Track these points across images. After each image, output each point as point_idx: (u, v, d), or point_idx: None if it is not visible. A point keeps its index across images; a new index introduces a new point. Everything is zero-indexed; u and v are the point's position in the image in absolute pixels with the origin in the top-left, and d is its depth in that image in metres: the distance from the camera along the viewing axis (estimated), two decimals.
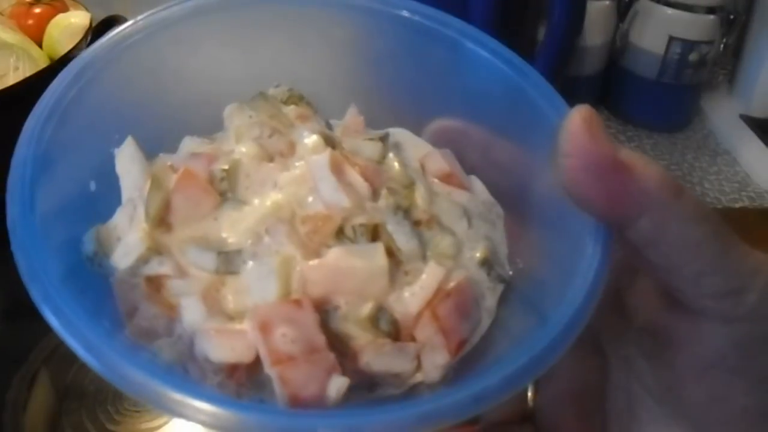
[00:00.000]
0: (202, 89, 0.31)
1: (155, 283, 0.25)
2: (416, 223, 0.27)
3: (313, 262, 0.25)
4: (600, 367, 0.28)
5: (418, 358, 0.26)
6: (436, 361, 0.25)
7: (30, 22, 0.77)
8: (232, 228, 0.26)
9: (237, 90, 0.31)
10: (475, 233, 0.29)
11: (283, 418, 0.20)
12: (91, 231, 0.26)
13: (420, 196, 0.28)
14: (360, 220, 0.26)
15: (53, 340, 0.53)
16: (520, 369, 0.21)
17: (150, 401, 0.19)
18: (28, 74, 0.68)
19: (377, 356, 0.24)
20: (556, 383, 0.28)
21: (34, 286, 0.21)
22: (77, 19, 0.75)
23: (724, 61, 1.00)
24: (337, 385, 0.22)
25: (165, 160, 0.28)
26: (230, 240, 0.26)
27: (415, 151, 0.31)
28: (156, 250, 0.25)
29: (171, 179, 0.27)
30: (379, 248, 0.25)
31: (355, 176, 0.27)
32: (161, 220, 0.26)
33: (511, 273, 0.29)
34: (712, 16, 0.85)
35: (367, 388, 0.25)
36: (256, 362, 0.23)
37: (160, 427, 0.50)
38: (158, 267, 0.25)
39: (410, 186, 0.29)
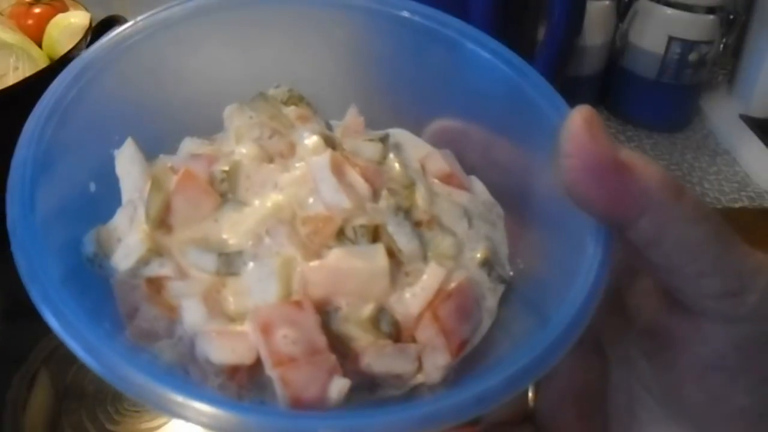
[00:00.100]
0: (202, 90, 0.31)
1: (156, 284, 0.25)
2: (417, 224, 0.27)
3: (314, 264, 0.25)
4: (600, 368, 0.28)
5: (419, 359, 0.25)
6: (437, 362, 0.25)
7: (30, 22, 0.77)
8: (233, 229, 0.26)
9: (237, 91, 0.31)
10: (476, 234, 0.29)
11: (284, 419, 0.20)
12: (91, 232, 0.26)
13: (420, 197, 0.28)
14: (361, 221, 0.26)
15: (53, 340, 0.53)
16: (522, 370, 0.21)
17: (151, 403, 0.19)
18: (27, 74, 0.68)
19: (378, 357, 0.24)
20: (557, 384, 0.28)
21: (34, 287, 0.21)
22: (77, 19, 0.75)
23: (724, 61, 1.00)
24: (339, 386, 0.22)
25: (165, 161, 0.28)
26: (231, 241, 0.26)
27: (416, 151, 0.31)
28: (156, 251, 0.25)
29: (171, 180, 0.26)
30: (379, 249, 0.25)
31: (355, 177, 0.27)
32: (162, 222, 0.26)
33: (511, 273, 0.29)
34: (711, 16, 0.85)
35: (368, 389, 0.25)
36: (257, 364, 0.23)
37: (159, 427, 0.50)
38: (159, 268, 0.25)
39: (411, 187, 0.29)
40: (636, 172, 0.22)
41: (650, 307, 0.25)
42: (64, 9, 0.78)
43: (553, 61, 0.71)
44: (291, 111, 0.30)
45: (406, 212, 0.27)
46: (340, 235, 0.26)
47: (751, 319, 0.23)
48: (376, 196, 0.27)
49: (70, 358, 0.20)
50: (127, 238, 0.26)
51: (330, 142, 0.28)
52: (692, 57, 0.86)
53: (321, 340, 0.23)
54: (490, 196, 0.31)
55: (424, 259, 0.27)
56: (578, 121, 0.22)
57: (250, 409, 0.21)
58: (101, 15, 0.77)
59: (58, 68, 0.26)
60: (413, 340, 0.26)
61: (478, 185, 0.31)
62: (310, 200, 0.27)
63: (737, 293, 0.22)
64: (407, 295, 0.26)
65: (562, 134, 0.22)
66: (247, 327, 0.24)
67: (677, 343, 0.24)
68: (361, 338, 0.25)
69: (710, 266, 0.22)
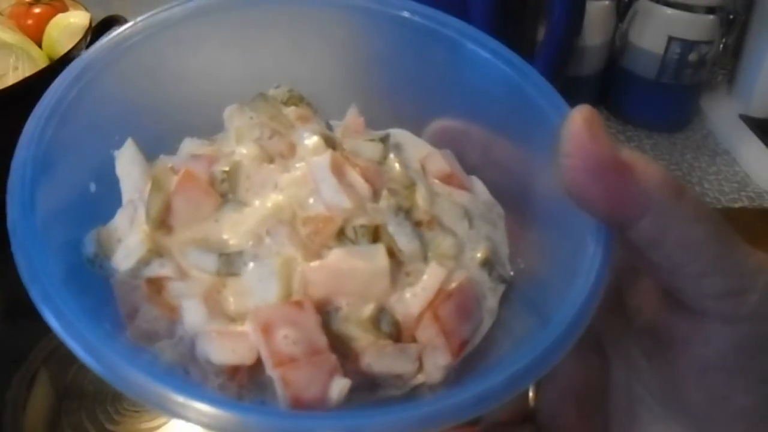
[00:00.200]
0: (201, 90, 0.31)
1: (156, 284, 0.25)
2: (417, 224, 0.27)
3: (314, 264, 0.25)
4: (601, 367, 0.28)
5: (420, 359, 0.25)
6: (437, 362, 0.25)
7: (29, 22, 0.77)
8: (233, 229, 0.26)
9: (237, 91, 0.31)
10: (476, 234, 0.29)
11: (284, 419, 0.20)
12: (91, 232, 0.26)
13: (421, 197, 0.28)
14: (361, 221, 0.26)
15: (53, 340, 0.53)
16: (522, 370, 0.21)
17: (151, 403, 0.19)
18: (27, 74, 0.68)
19: (379, 357, 0.24)
20: (557, 383, 0.28)
21: (35, 287, 0.21)
22: (77, 19, 0.75)
23: (724, 61, 1.00)
24: (339, 386, 0.22)
25: (165, 161, 0.28)
26: (231, 241, 0.26)
27: (416, 151, 0.31)
28: (157, 251, 0.25)
29: (172, 181, 0.26)
30: (380, 249, 0.25)
31: (355, 177, 0.27)
32: (162, 222, 0.26)
33: (512, 273, 0.29)
34: (711, 16, 0.85)
35: (368, 389, 0.25)
36: (258, 364, 0.23)
37: (159, 427, 0.50)
38: (159, 269, 0.25)
39: (411, 187, 0.29)
40: (636, 171, 0.22)
41: (651, 306, 0.25)
42: (64, 9, 0.78)
43: (553, 61, 0.71)
44: (291, 111, 0.30)
45: (406, 212, 0.27)
46: (341, 236, 0.26)
47: (751, 318, 0.22)
48: (376, 196, 0.27)
49: (70, 359, 0.20)
50: (128, 239, 0.26)
51: (330, 143, 0.28)
52: (692, 57, 0.86)
53: (322, 341, 0.23)
54: (490, 196, 0.31)
55: (425, 259, 0.27)
56: (578, 121, 0.22)
57: (250, 409, 0.21)
58: (101, 15, 0.77)
59: (58, 68, 0.26)
60: (414, 340, 0.26)
61: (478, 185, 0.31)
62: (311, 200, 0.27)
63: (738, 293, 0.22)
64: (408, 295, 0.26)
65: (562, 134, 0.22)
66: (247, 327, 0.24)
67: (678, 343, 0.24)
68: (362, 338, 0.25)
69: (711, 266, 0.22)
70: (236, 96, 0.31)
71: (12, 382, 0.53)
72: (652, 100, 0.92)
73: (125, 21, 0.28)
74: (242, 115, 0.29)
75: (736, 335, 0.23)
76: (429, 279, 0.26)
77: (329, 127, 0.31)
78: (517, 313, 0.27)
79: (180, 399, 0.19)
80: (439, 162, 0.30)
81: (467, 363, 0.26)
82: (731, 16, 0.88)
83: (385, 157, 0.30)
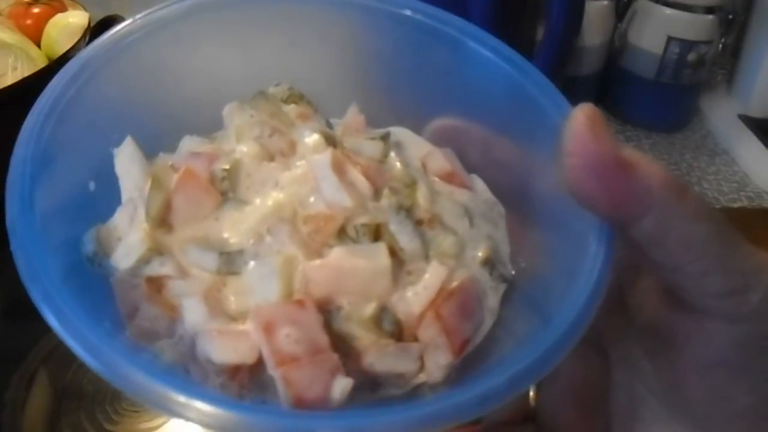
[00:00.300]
0: (201, 88, 0.30)
1: (156, 283, 0.25)
2: (418, 223, 0.27)
3: (316, 262, 0.25)
4: (602, 367, 0.28)
5: (422, 358, 0.25)
6: (439, 362, 0.25)
7: (28, 21, 0.77)
8: (234, 228, 0.26)
9: (236, 89, 0.31)
10: (477, 232, 0.29)
11: (286, 419, 0.20)
12: (91, 231, 0.26)
13: (422, 196, 0.28)
14: (362, 219, 0.26)
15: (52, 339, 0.53)
16: (524, 369, 0.21)
17: (151, 402, 0.19)
18: (26, 74, 0.68)
19: (380, 356, 0.24)
20: (559, 383, 0.28)
21: (34, 286, 0.21)
22: (75, 19, 0.75)
23: (723, 61, 1.00)
24: (341, 386, 0.22)
25: (165, 159, 0.28)
26: (232, 240, 0.26)
27: (417, 150, 0.31)
28: (157, 250, 0.25)
29: (172, 179, 0.26)
30: (381, 248, 0.25)
31: (356, 175, 0.27)
32: (162, 221, 0.26)
33: (513, 272, 0.29)
34: (710, 16, 0.85)
35: (370, 388, 0.25)
36: (259, 363, 0.23)
37: (158, 427, 0.50)
38: (159, 267, 0.25)
39: (412, 185, 0.28)
40: (638, 170, 0.22)
41: (652, 305, 0.25)
42: (63, 9, 0.78)
43: (552, 60, 0.71)
44: (291, 109, 0.30)
45: (407, 211, 0.27)
46: (342, 234, 0.26)
47: (753, 318, 0.22)
48: (377, 194, 0.27)
49: (69, 358, 0.20)
50: (128, 237, 0.26)
51: (331, 141, 0.28)
52: (691, 57, 0.86)
53: (323, 340, 0.23)
54: (491, 195, 0.31)
55: (426, 257, 0.27)
56: (581, 120, 0.22)
57: (251, 408, 0.21)
58: (100, 15, 0.77)
59: (57, 68, 0.26)
60: (415, 339, 0.26)
61: (479, 184, 0.31)
62: (311, 199, 0.27)
63: (740, 292, 0.22)
64: (409, 294, 0.26)
65: (564, 133, 0.22)
66: (248, 326, 0.23)
67: (679, 342, 0.24)
68: (363, 337, 0.25)
69: (713, 265, 0.22)
70: (236, 94, 0.30)
71: (11, 381, 0.53)
72: (651, 100, 0.92)
73: (124, 21, 0.28)
74: (242, 113, 0.29)
75: (737, 334, 0.23)
76: (430, 278, 0.26)
77: (330, 126, 0.31)
78: (518, 313, 0.27)
79: (181, 398, 0.19)
80: (440, 160, 0.30)
81: (469, 362, 0.26)
82: (730, 16, 0.88)
83: (385, 155, 0.29)
